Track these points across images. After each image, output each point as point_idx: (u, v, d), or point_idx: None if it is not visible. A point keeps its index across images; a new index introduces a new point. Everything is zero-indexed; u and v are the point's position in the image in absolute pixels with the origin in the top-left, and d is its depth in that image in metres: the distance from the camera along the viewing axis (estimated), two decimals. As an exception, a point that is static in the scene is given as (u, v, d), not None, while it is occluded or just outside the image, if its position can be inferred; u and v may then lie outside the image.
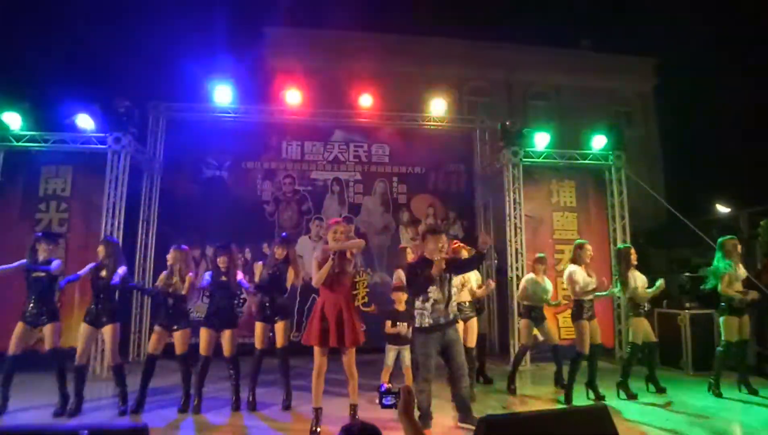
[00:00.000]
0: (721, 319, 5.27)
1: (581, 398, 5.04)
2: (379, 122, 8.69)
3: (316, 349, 3.96)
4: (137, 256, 7.53)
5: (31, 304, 4.52)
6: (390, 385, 1.87)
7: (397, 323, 4.91)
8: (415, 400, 1.84)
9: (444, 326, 3.93)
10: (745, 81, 14.34)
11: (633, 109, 15.29)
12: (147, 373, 4.64)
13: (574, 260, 5.21)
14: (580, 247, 5.23)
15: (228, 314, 4.79)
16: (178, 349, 4.70)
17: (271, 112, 8.51)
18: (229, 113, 8.13)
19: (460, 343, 4.08)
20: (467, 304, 5.36)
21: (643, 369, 5.56)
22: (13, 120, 6.63)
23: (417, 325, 3.99)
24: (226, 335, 4.74)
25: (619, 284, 5.35)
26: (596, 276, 5.16)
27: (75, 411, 4.43)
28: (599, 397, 5.01)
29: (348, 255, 4.02)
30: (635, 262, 5.32)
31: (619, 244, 6.33)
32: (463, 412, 3.99)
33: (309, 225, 8.34)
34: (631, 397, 5.14)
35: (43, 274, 4.48)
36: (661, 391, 5.36)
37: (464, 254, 5.18)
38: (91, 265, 4.68)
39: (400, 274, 5.12)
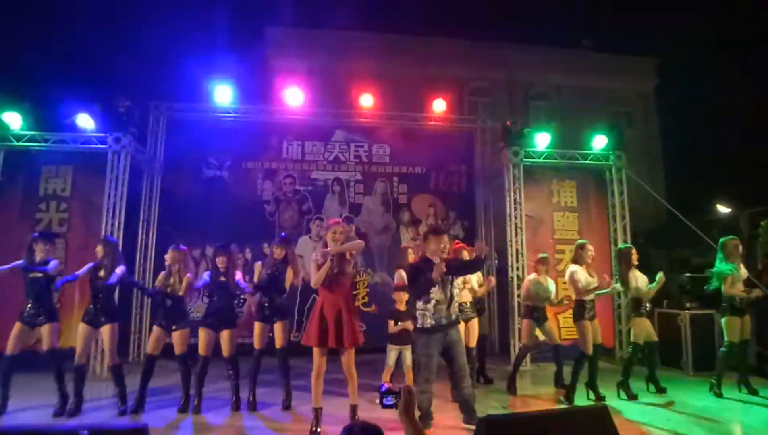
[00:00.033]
0: (723, 319, 5.27)
1: (581, 398, 5.04)
2: (379, 122, 8.68)
3: (315, 350, 3.96)
4: (137, 256, 7.53)
5: (29, 305, 4.52)
6: (391, 384, 1.86)
7: (399, 323, 4.90)
8: (416, 401, 1.83)
9: (446, 327, 3.93)
10: (745, 81, 14.33)
11: (633, 109, 15.28)
12: (146, 373, 4.64)
13: (576, 260, 5.21)
14: (582, 247, 5.23)
15: (227, 314, 4.79)
16: (177, 350, 4.70)
17: (272, 112, 8.50)
18: (230, 113, 8.12)
19: (461, 344, 4.08)
20: (468, 304, 5.36)
21: (643, 369, 5.55)
22: (14, 120, 6.63)
23: (419, 325, 3.99)
24: (225, 335, 4.74)
25: (620, 281, 5.35)
26: (597, 275, 5.16)
27: (75, 411, 4.43)
28: (599, 398, 5.00)
29: (347, 256, 4.01)
30: (636, 262, 5.32)
31: (621, 244, 6.32)
32: (467, 413, 3.98)
33: (309, 225, 8.34)
34: (632, 397, 5.13)
35: (40, 274, 4.48)
36: (661, 391, 5.35)
37: (465, 255, 5.18)
38: (89, 265, 4.68)
39: (402, 274, 5.12)
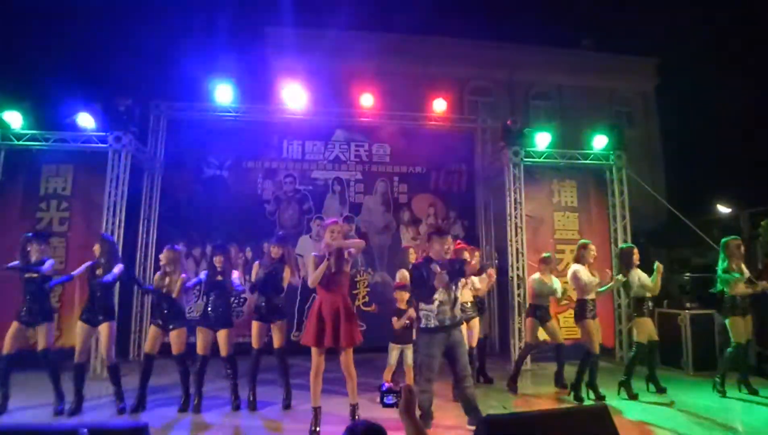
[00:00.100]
0: (727, 320, 5.26)
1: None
2: (380, 122, 8.68)
3: (313, 349, 3.96)
4: (138, 255, 7.53)
5: (26, 305, 4.54)
6: (391, 384, 1.86)
7: (403, 316, 4.90)
8: (417, 400, 1.84)
9: (449, 328, 3.93)
10: (745, 81, 14.33)
11: (634, 109, 15.28)
12: (146, 373, 4.65)
13: (578, 260, 5.22)
14: (585, 246, 5.25)
15: (223, 313, 4.79)
16: (175, 349, 4.70)
17: (272, 112, 8.49)
18: (230, 112, 8.12)
19: (464, 345, 4.09)
20: (469, 304, 5.36)
21: (642, 369, 5.55)
22: (14, 119, 6.63)
23: (422, 325, 3.99)
24: (222, 335, 4.75)
25: (620, 274, 5.35)
26: (599, 274, 5.18)
27: (75, 410, 4.44)
28: (599, 397, 5.01)
29: (345, 255, 4.01)
30: (638, 262, 5.33)
31: (622, 244, 6.33)
32: (471, 413, 3.97)
33: (310, 224, 8.34)
34: (633, 397, 5.14)
35: (35, 274, 4.49)
36: (661, 391, 5.36)
37: (466, 255, 5.17)
38: (86, 264, 4.69)
39: (404, 274, 5.11)
